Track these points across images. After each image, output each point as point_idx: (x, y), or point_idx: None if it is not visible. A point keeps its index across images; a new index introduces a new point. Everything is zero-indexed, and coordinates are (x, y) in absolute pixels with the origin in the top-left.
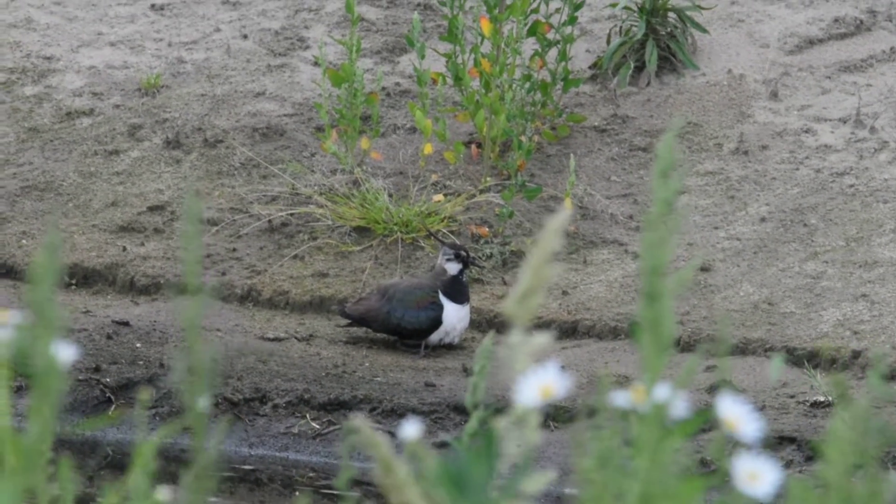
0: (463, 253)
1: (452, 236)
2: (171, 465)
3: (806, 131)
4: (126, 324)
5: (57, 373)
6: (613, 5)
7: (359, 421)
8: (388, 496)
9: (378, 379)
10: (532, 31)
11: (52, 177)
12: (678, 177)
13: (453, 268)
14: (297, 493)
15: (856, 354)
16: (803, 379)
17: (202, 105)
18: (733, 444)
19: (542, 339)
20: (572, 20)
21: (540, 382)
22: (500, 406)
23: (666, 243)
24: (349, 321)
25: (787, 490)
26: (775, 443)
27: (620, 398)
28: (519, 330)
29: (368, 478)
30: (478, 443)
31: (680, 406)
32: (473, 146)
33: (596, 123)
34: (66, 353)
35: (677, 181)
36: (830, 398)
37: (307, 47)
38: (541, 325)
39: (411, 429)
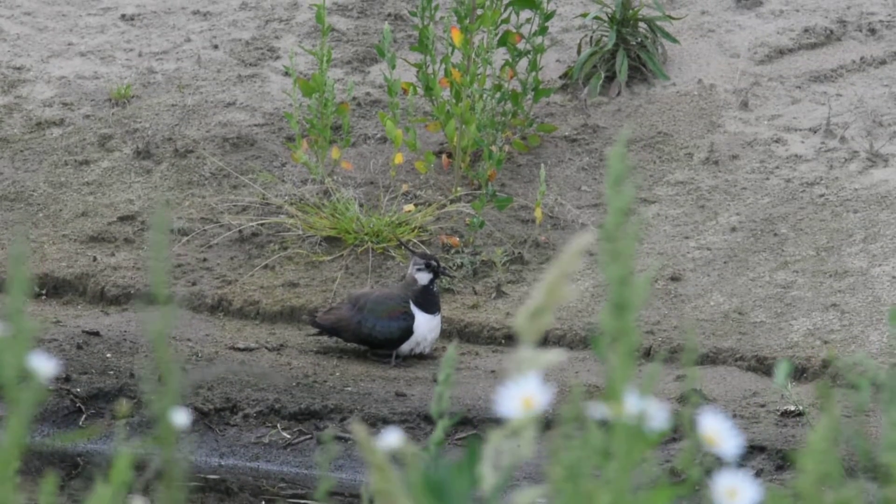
0: (433, 263)
1: (423, 246)
2: (141, 475)
3: (776, 141)
4: (96, 334)
5: (33, 385)
6: (584, 15)
7: (356, 425)
8: (379, 502)
9: (349, 389)
10: (502, 42)
11: (22, 187)
12: (632, 185)
13: (424, 277)
14: None
15: (825, 364)
16: (773, 388)
17: (172, 115)
18: (704, 455)
19: (555, 354)
20: (543, 30)
21: (522, 393)
22: (471, 416)
23: (628, 252)
24: (319, 330)
25: (764, 501)
26: (746, 452)
27: (596, 409)
28: (527, 345)
29: (342, 488)
30: (459, 453)
31: (657, 416)
32: (444, 156)
33: (566, 133)
34: (45, 365)
35: (631, 190)
36: (801, 408)
37: (278, 57)
38: (510, 334)
39: (392, 437)
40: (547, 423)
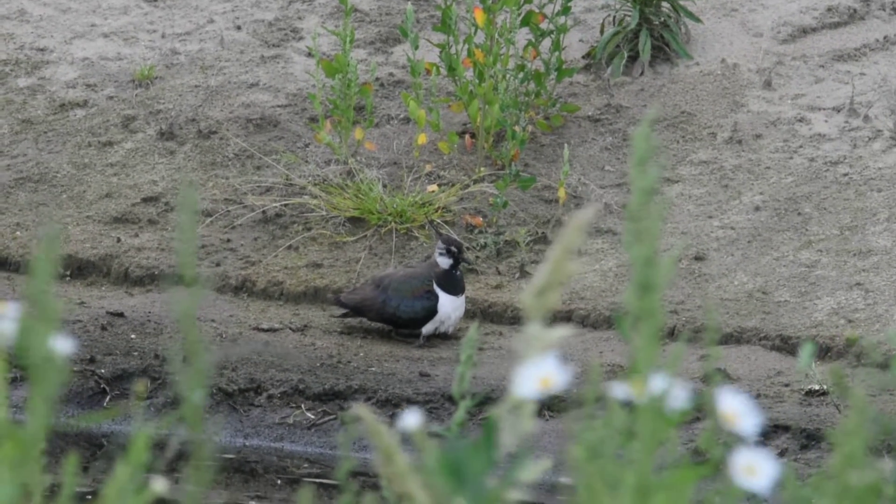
0: (453, 249)
1: (447, 227)
2: (165, 455)
3: (800, 120)
4: (120, 315)
5: (55, 365)
6: None
7: (361, 409)
8: (389, 485)
9: (373, 369)
10: (525, 21)
11: (46, 168)
12: (656, 165)
13: (444, 262)
14: (291, 484)
15: (850, 343)
16: (798, 368)
17: (196, 96)
18: (727, 434)
19: (560, 331)
20: (566, 10)
21: (539, 373)
22: (494, 396)
23: (652, 232)
24: (344, 310)
25: (783, 481)
26: (770, 431)
27: (619, 389)
28: (535, 323)
29: (366, 468)
30: (476, 433)
31: (679, 396)
32: (467, 136)
33: (590, 113)
34: (63, 345)
35: (656, 170)
36: (825, 387)
37: (301, 38)
38: None
39: (411, 418)
40: (567, 404)
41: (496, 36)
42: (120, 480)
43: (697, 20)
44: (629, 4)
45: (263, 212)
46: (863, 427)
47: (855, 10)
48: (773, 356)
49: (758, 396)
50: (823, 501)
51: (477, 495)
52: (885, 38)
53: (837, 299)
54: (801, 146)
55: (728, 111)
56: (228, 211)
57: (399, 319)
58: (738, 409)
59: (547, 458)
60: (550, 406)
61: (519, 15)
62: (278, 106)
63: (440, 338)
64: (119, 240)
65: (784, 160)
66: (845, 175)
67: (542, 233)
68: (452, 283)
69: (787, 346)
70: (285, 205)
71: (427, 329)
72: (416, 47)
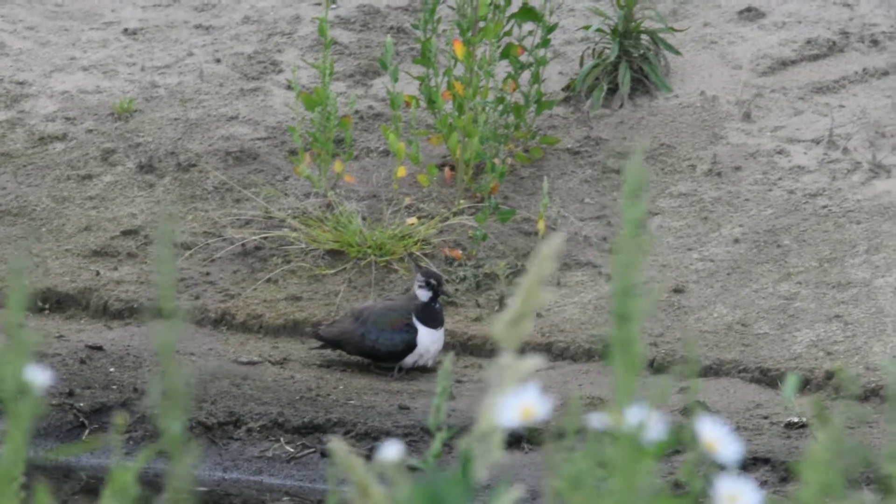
0: (432, 281)
1: (427, 260)
2: (145, 490)
3: (779, 152)
4: (99, 348)
5: (30, 397)
6: (586, 28)
7: (336, 443)
8: None
9: (352, 402)
10: (505, 54)
11: (25, 202)
12: (646, 198)
13: (424, 295)
14: None
15: (829, 375)
16: (777, 400)
17: (175, 129)
18: (706, 466)
19: (533, 361)
20: (545, 43)
21: (521, 403)
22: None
23: (636, 264)
24: (323, 343)
25: None
26: (749, 464)
27: (596, 420)
28: (507, 353)
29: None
30: (453, 465)
31: (656, 427)
32: (447, 169)
33: (569, 145)
34: (40, 377)
35: (646, 202)
36: (804, 419)
37: (280, 71)
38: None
39: (391, 450)
40: (546, 436)
41: (476, 68)
42: None
43: (677, 53)
44: (609, 37)
45: (243, 245)
46: (824, 456)
47: (834, 43)
48: (752, 388)
49: (737, 429)
50: None
51: None
52: (864, 70)
53: (817, 331)
54: (780, 178)
55: (707, 143)
56: (208, 244)
57: (378, 353)
58: (718, 437)
59: (520, 488)
60: (529, 438)
61: (498, 48)
62: (258, 139)
63: (419, 370)
64: (98, 273)
65: (763, 192)
66: (824, 207)
67: (522, 265)
68: (431, 316)
69: (766, 378)
70: (265, 238)
71: (406, 362)
72: (396, 80)
